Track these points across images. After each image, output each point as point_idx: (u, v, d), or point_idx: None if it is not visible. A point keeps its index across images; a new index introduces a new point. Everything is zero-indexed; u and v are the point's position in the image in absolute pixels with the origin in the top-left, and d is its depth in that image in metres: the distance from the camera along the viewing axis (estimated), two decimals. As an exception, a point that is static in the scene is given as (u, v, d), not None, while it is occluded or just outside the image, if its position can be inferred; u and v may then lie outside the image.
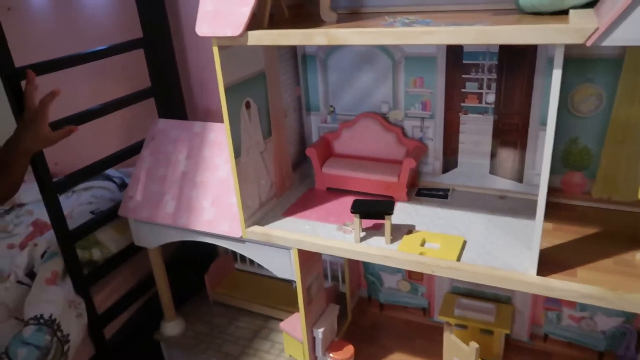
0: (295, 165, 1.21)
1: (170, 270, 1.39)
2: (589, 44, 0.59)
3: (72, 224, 1.26)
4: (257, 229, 1.02)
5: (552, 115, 0.68)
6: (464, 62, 1.01)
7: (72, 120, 1.20)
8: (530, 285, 0.79)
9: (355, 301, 1.39)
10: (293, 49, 1.15)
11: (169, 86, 1.47)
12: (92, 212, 1.43)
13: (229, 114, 0.93)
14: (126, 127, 1.67)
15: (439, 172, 1.13)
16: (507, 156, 1.05)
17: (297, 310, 1.12)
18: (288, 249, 1.03)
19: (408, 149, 1.12)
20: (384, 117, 1.13)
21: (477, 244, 0.90)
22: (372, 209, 0.94)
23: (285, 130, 1.15)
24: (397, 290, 1.33)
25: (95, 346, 1.32)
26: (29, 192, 1.58)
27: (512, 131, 1.03)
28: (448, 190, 1.11)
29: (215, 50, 0.87)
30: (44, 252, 1.29)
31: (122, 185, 1.58)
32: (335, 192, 1.15)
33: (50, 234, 1.33)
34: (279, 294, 1.46)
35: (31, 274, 1.26)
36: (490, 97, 1.02)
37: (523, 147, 1.03)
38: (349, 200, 1.05)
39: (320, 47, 1.15)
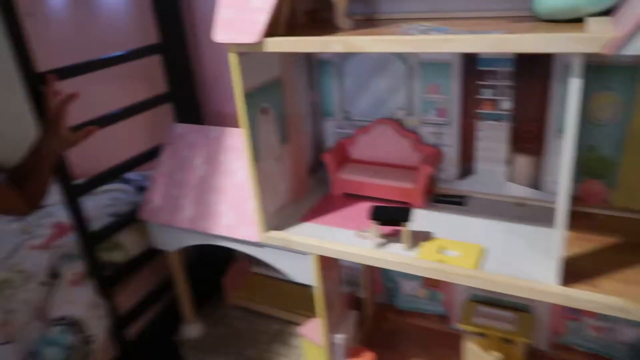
0: (311, 171, 1.22)
1: (190, 273, 1.41)
2: (609, 53, 0.58)
3: (92, 226, 1.28)
4: (275, 233, 1.02)
5: (571, 124, 0.67)
6: (479, 68, 1.00)
7: (92, 124, 1.22)
8: (553, 295, 0.78)
9: (373, 307, 1.39)
10: (308, 55, 1.16)
11: (185, 91, 1.50)
12: (111, 215, 1.46)
13: (246, 119, 0.94)
14: (142, 131, 1.70)
15: (456, 179, 1.13)
16: (524, 163, 1.04)
17: (315, 315, 1.12)
18: (307, 254, 1.03)
19: (424, 155, 1.11)
20: (400, 123, 1.13)
21: (497, 252, 0.89)
22: (390, 216, 0.94)
23: (301, 135, 1.15)
24: (415, 297, 1.33)
25: (117, 347, 1.35)
26: (49, 194, 1.61)
27: (528, 138, 1.02)
28: (465, 197, 1.11)
29: (233, 56, 0.88)
30: (67, 254, 1.32)
31: (140, 188, 1.61)
32: (352, 198, 1.15)
33: (71, 236, 1.36)
34: (296, 298, 1.46)
35: (54, 275, 1.29)
36: (506, 104, 1.01)
37: (540, 154, 1.02)
38: (365, 206, 1.05)
39: (336, 53, 1.15)
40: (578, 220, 0.96)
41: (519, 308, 1.18)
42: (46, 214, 1.66)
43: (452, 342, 1.24)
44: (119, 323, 1.34)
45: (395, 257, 0.92)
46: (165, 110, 1.48)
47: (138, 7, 1.60)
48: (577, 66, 0.64)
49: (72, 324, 1.17)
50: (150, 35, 1.41)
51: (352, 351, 1.20)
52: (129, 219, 1.38)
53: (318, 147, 1.25)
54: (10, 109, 1.50)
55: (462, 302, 1.24)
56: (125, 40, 1.59)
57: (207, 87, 1.55)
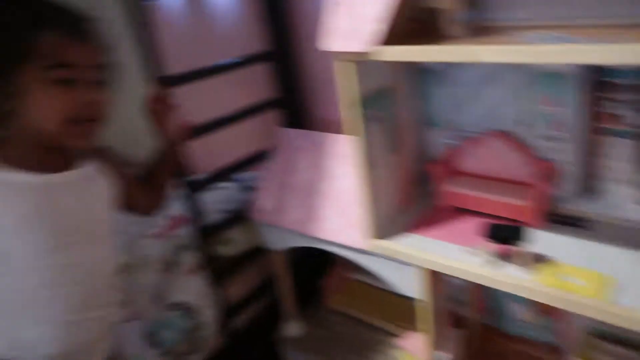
0: (416, 181, 1.20)
1: (292, 272, 1.46)
2: None
3: (205, 220, 1.37)
4: (381, 242, 1.02)
5: None
6: (604, 80, 0.91)
7: (207, 127, 1.32)
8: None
9: (477, 327, 1.33)
10: (415, 63, 1.14)
11: (293, 98, 1.55)
12: (221, 211, 1.54)
13: (355, 127, 0.95)
14: (253, 133, 1.77)
15: (573, 199, 1.04)
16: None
17: (416, 328, 1.10)
18: (412, 266, 1.01)
19: (538, 171, 1.04)
20: (512, 135, 1.07)
21: (626, 283, 0.81)
22: (504, 234, 0.90)
23: (408, 144, 1.14)
24: (523, 322, 1.25)
25: (224, 337, 1.43)
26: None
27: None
28: (584, 219, 1.01)
29: (343, 65, 0.89)
30: (181, 245, 1.42)
31: (246, 188, 1.69)
32: (459, 212, 1.11)
33: (185, 228, 1.46)
34: (397, 309, 1.45)
35: (171, 263, 1.40)
36: (634, 119, 0.91)
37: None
38: (474, 221, 1.01)
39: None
40: None
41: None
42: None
43: (563, 374, 1.15)
44: (227, 314, 1.42)
45: (509, 278, 0.87)
46: (274, 115, 1.54)
47: (249, 15, 1.67)
48: None
49: (187, 311, 1.26)
50: (259, 42, 1.48)
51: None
52: (239, 217, 1.45)
53: (423, 157, 1.23)
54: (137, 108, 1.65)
55: (580, 334, 1.14)
56: (236, 47, 1.68)
57: (313, 94, 1.59)
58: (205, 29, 1.79)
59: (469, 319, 1.27)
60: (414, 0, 0.90)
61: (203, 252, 1.36)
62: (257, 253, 1.49)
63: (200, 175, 1.36)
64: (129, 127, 1.86)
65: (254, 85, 1.58)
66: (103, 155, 0.93)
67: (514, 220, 1.03)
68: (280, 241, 1.33)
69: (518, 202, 1.02)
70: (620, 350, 1.06)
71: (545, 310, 1.19)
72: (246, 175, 1.69)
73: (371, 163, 1.00)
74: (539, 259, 0.90)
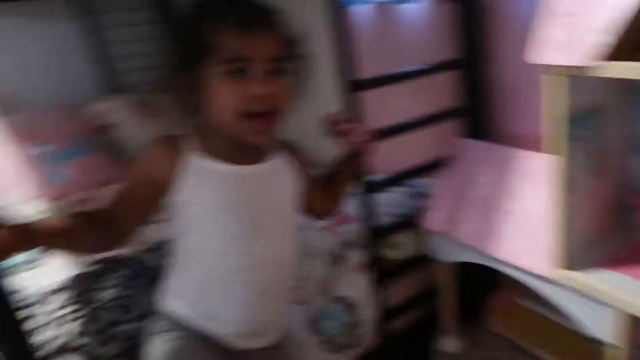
0: (617, 211, 1.07)
1: (457, 286, 1.41)
2: None
3: (375, 221, 1.39)
4: (571, 274, 0.94)
5: None
6: None
7: (389, 131, 1.33)
8: None
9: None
10: (629, 81, 1.01)
11: (478, 108, 1.49)
12: (391, 215, 1.56)
13: (558, 146, 0.88)
14: (431, 141, 1.75)
15: None
16: None
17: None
18: (607, 305, 0.91)
19: None
20: None
21: None
22: None
23: (613, 170, 1.03)
24: None
25: (380, 339, 1.44)
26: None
27: None
28: None
29: (553, 79, 0.84)
30: (348, 241, 1.47)
31: (418, 194, 1.67)
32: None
33: (355, 225, 1.50)
34: (570, 345, 1.32)
35: (337, 257, 1.46)
36: None
37: None
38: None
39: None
40: None
41: None
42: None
43: None
44: (385, 316, 1.44)
45: None
46: (456, 125, 1.51)
47: (439, 22, 1.65)
48: None
49: (349, 306, 1.31)
50: (447, 49, 1.45)
51: None
52: (409, 222, 1.45)
53: (627, 185, 1.09)
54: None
55: None
56: (424, 54, 1.66)
57: (502, 105, 1.52)
58: (393, 36, 1.81)
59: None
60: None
61: (370, 251, 1.39)
62: (423, 261, 1.48)
63: (376, 177, 1.39)
64: (316, 127, 1.98)
65: (437, 92, 1.57)
66: (291, 150, 0.95)
67: None
68: (449, 253, 1.30)
69: None
70: None
71: None
72: (421, 181, 1.68)
73: (570, 186, 0.92)
74: None
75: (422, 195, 1.62)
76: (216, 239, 0.84)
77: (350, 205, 1.57)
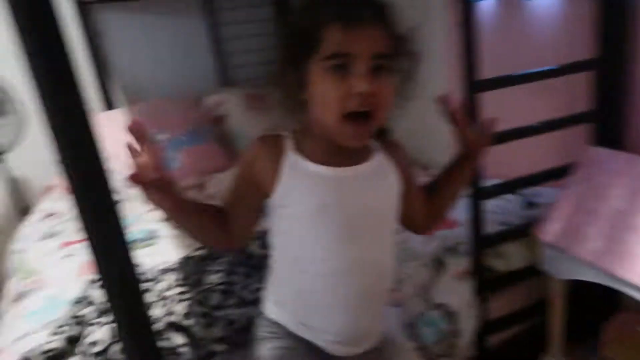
0: None
1: (569, 305, 1.30)
2: None
3: (482, 229, 1.32)
4: None
5: None
6: None
7: (507, 135, 1.25)
8: None
9: None
10: None
11: (613, 113, 1.35)
12: (500, 222, 1.47)
13: None
14: (552, 147, 1.63)
15: None
16: None
17: None
18: None
19: None
20: None
21: None
22: None
23: None
24: None
25: (477, 351, 1.37)
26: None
27: None
28: None
29: None
30: (450, 247, 1.41)
31: (529, 203, 1.56)
32: None
33: (458, 231, 1.44)
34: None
35: (438, 262, 1.40)
36: None
37: None
38: None
39: None
40: None
41: None
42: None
43: None
44: (485, 328, 1.36)
45: None
46: (583, 129, 1.38)
47: (573, 18, 1.52)
48: None
49: (448, 314, 1.25)
50: (582, 48, 1.33)
51: None
52: (519, 232, 1.36)
53: None
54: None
55: None
56: (554, 53, 1.54)
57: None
58: (519, 32, 1.70)
59: None
60: None
61: (474, 260, 1.32)
62: (531, 274, 1.38)
63: (487, 182, 1.31)
64: (425, 130, 1.93)
65: (565, 95, 1.45)
66: (394, 149, 0.90)
67: None
68: (565, 269, 1.20)
69: None
70: None
71: None
72: (537, 190, 1.58)
73: None
74: None
75: (536, 205, 1.52)
76: (311, 243, 0.82)
77: (455, 209, 1.52)
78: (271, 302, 0.92)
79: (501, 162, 1.45)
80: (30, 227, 1.91)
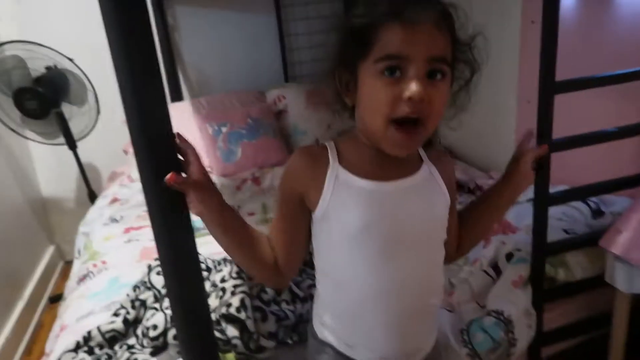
0: None
1: (634, 321, 1.23)
2: None
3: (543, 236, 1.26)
4: None
5: None
6: None
7: (576, 140, 1.19)
8: None
9: None
10: None
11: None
12: (564, 231, 1.40)
13: None
14: (622, 153, 1.54)
15: None
16: None
17: None
18: None
19: None
20: None
21: None
22: None
23: None
24: None
25: (531, 361, 1.33)
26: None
27: None
28: None
29: None
30: (508, 253, 1.36)
31: (596, 212, 1.48)
32: None
33: (517, 237, 1.38)
34: None
35: (494, 267, 1.36)
36: None
37: None
38: None
39: None
40: None
41: None
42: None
43: None
44: (540, 338, 1.31)
45: None
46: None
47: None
48: None
49: (506, 322, 1.21)
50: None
51: None
52: (584, 241, 1.30)
53: None
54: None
55: None
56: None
57: None
58: (600, 32, 1.62)
59: None
60: None
61: (535, 268, 1.26)
62: (594, 285, 1.31)
63: (553, 188, 1.25)
64: (491, 131, 1.87)
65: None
66: (443, 161, 0.85)
67: None
68: (634, 283, 1.13)
69: None
70: None
71: None
72: (605, 198, 1.50)
73: None
74: None
75: (605, 214, 1.44)
76: (353, 263, 0.78)
77: (513, 214, 1.46)
78: (318, 322, 0.89)
79: (573, 168, 1.38)
80: (96, 212, 2.02)
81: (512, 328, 1.22)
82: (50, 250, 2.61)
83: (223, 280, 1.20)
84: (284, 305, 1.17)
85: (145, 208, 0.75)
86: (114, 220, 1.87)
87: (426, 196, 0.81)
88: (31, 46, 2.05)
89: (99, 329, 1.16)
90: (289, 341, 1.13)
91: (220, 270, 1.24)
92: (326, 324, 0.86)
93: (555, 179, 1.26)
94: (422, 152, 0.84)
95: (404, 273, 0.79)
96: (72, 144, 2.24)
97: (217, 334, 1.08)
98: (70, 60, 2.12)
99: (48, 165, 2.56)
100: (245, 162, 2.16)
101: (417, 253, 0.80)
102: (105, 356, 1.11)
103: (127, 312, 1.21)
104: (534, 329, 1.27)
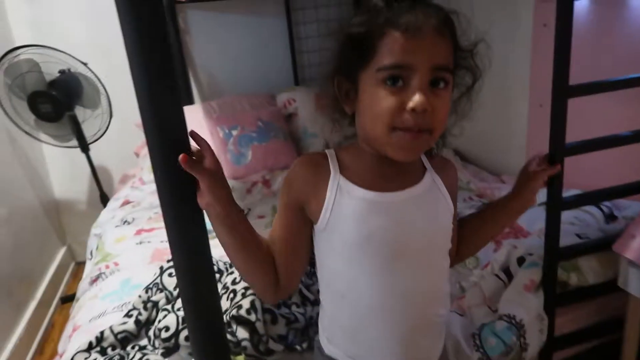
0: None
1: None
2: None
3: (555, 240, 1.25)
4: None
5: None
6: None
7: (589, 144, 1.17)
8: None
9: None
10: None
11: None
12: (577, 235, 1.39)
13: None
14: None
15: None
16: None
17: None
18: None
19: None
20: None
21: None
22: None
23: None
24: None
25: (543, 366, 1.31)
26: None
27: None
28: None
29: None
30: (522, 257, 1.35)
31: (609, 216, 1.47)
32: None
33: (529, 241, 1.38)
34: None
35: (506, 271, 1.35)
36: None
37: None
38: None
39: None
40: None
41: None
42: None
43: None
44: (551, 343, 1.30)
45: None
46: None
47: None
48: None
49: (518, 326, 1.20)
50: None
51: None
52: (597, 246, 1.29)
53: None
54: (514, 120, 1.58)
55: None
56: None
57: None
58: (614, 35, 1.60)
59: None
60: None
61: (547, 272, 1.26)
62: (606, 290, 1.30)
63: (566, 192, 1.24)
64: (501, 134, 1.86)
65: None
66: (446, 169, 0.84)
67: None
68: (648, 288, 1.12)
69: None
70: None
71: None
72: (619, 203, 1.49)
73: None
74: None
75: (618, 218, 1.43)
76: (356, 276, 0.77)
77: (525, 218, 1.45)
78: (324, 337, 0.87)
79: (581, 171, 1.37)
80: (109, 214, 2.03)
81: (524, 332, 1.21)
82: (62, 251, 2.64)
83: (234, 282, 1.20)
84: (294, 308, 1.17)
85: (156, 210, 0.76)
86: (125, 222, 1.89)
87: (430, 206, 0.79)
88: (45, 50, 2.08)
89: (111, 329, 1.17)
90: (299, 348, 1.13)
91: (232, 273, 1.25)
92: (331, 339, 0.85)
93: (568, 182, 1.25)
94: (425, 161, 0.82)
95: (409, 285, 0.78)
96: (84, 147, 2.27)
97: (227, 335, 1.08)
98: (84, 64, 2.15)
99: (61, 167, 2.60)
100: (255, 165, 2.18)
101: (421, 264, 0.79)
102: (118, 357, 1.11)
103: (139, 313, 1.22)
104: (546, 333, 1.26)
